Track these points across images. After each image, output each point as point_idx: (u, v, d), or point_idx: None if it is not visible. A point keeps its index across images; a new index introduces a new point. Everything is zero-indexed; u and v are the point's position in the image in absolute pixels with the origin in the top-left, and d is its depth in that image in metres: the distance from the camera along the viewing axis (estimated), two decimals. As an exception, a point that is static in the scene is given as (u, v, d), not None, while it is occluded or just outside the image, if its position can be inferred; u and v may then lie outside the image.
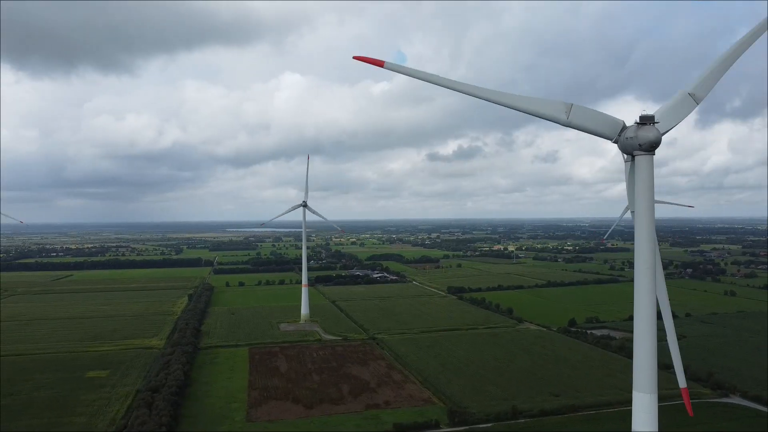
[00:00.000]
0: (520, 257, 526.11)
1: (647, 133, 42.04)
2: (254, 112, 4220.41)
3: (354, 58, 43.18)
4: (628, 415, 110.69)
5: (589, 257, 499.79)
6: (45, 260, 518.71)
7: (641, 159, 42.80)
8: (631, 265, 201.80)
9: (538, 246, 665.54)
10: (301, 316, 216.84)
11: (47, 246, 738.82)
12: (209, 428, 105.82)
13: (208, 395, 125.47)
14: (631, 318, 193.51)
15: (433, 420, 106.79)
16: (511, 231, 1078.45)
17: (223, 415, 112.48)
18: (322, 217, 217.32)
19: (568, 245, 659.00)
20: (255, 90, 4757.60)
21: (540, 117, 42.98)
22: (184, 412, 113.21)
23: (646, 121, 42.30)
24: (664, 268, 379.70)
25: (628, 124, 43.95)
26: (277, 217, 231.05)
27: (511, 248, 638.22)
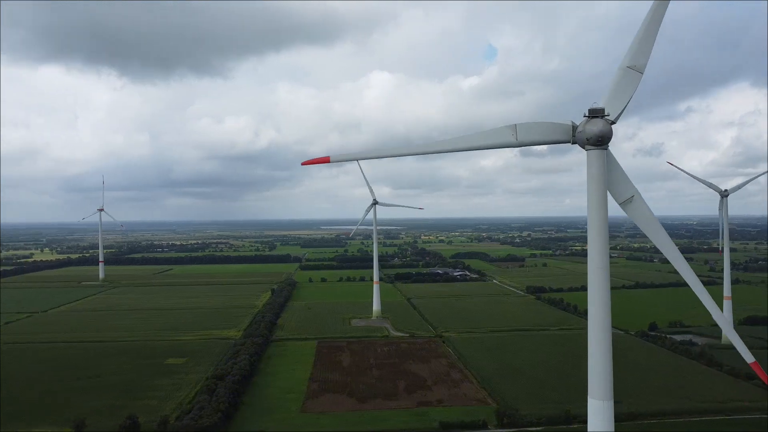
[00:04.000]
0: (612, 256, 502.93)
1: (593, 127, 40.65)
2: (344, 111, 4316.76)
3: (302, 164, 47.42)
4: (691, 426, 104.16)
5: (689, 258, 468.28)
6: (150, 255, 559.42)
7: (591, 154, 41.29)
8: (734, 266, 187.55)
9: (635, 245, 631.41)
10: (373, 312, 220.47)
11: (155, 242, 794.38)
12: (265, 416, 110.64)
13: (270, 385, 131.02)
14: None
15: (480, 420, 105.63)
16: (609, 229, 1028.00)
17: (280, 405, 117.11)
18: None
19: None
20: (344, 89, 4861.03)
21: (492, 148, 43.17)
22: (244, 400, 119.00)
23: (596, 114, 40.54)
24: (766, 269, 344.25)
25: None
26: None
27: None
